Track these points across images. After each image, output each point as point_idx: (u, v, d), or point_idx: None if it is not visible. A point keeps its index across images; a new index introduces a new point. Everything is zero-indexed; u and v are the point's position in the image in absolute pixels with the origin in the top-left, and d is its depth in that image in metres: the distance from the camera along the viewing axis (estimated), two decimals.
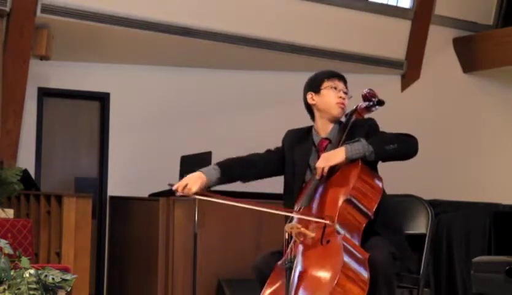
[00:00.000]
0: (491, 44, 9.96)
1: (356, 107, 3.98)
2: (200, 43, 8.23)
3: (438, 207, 7.34)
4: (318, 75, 4.00)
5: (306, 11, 8.80)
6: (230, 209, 7.79)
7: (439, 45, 10.10)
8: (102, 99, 8.70)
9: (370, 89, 4.00)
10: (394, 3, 9.67)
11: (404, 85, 9.98)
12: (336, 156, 3.72)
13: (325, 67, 9.62)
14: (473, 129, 10.42)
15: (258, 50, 8.60)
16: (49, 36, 7.47)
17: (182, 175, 7.01)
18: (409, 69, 9.89)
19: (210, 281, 7.37)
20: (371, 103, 3.96)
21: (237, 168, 3.95)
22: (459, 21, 10.22)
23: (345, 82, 3.97)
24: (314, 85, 3.97)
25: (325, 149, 3.87)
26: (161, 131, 8.81)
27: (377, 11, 9.45)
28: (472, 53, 10.19)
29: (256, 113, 9.21)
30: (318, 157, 3.83)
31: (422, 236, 3.98)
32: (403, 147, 3.75)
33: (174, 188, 3.76)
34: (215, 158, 6.82)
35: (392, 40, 9.61)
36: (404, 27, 9.68)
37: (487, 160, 10.41)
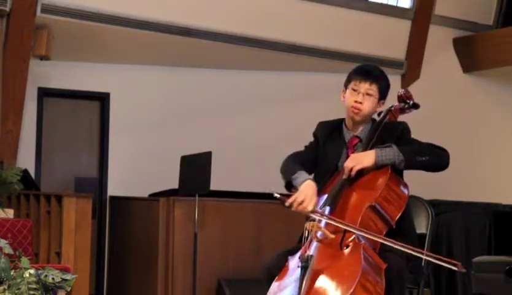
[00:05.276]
0: (491, 44, 9.95)
1: (391, 107, 3.88)
2: (200, 43, 8.23)
3: (438, 207, 7.34)
4: (352, 71, 3.82)
5: (306, 11, 8.79)
6: (230, 209, 7.78)
7: (439, 45, 10.09)
8: (102, 99, 8.69)
9: (406, 90, 3.92)
10: (394, 3, 9.66)
11: (404, 85, 9.96)
12: (365, 159, 3.62)
13: (325, 67, 9.59)
14: (473, 129, 10.41)
15: (258, 50, 8.59)
16: (49, 36, 7.47)
17: (182, 175, 7.00)
18: (409, 69, 9.87)
19: (210, 281, 7.36)
20: (406, 105, 3.89)
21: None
22: (459, 21, 10.21)
23: (374, 82, 3.77)
24: (346, 80, 3.83)
25: (354, 147, 3.78)
26: (161, 131, 8.80)
27: (377, 11, 9.44)
28: (472, 53, 10.18)
29: (256, 113, 9.20)
30: (347, 155, 3.74)
31: (422, 236, 3.97)
32: (435, 160, 3.70)
33: (286, 204, 3.57)
34: (215, 158, 6.86)
35: (392, 40, 9.60)
36: (404, 27, 9.67)
37: (487, 160, 10.40)
